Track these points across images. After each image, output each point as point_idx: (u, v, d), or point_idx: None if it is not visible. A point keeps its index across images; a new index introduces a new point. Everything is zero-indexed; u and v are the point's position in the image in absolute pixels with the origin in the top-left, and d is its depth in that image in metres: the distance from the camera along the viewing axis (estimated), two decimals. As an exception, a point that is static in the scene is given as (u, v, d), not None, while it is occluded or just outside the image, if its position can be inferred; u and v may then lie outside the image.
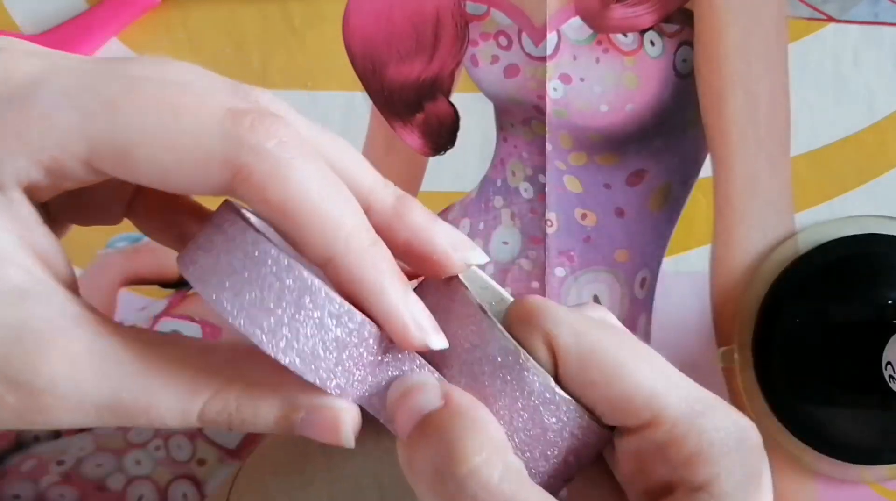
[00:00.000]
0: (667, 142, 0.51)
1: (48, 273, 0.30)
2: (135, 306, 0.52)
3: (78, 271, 0.52)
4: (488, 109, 0.52)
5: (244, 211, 0.30)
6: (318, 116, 0.52)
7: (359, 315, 0.29)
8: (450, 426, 0.29)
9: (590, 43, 0.51)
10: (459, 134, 0.52)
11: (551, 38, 0.51)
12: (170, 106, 0.28)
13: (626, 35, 0.51)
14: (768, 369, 0.50)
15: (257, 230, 0.29)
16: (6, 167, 0.29)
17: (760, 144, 0.51)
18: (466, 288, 0.31)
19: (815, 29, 0.51)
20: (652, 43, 0.51)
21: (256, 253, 0.29)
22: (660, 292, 0.51)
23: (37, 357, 0.29)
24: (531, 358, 0.30)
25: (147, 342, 0.30)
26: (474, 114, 0.52)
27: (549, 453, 0.30)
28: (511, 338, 0.30)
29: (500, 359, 0.30)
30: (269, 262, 0.29)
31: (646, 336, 0.51)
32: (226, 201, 0.31)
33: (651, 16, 0.51)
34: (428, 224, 0.32)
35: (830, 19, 0.51)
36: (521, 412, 0.30)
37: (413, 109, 0.52)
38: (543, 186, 0.52)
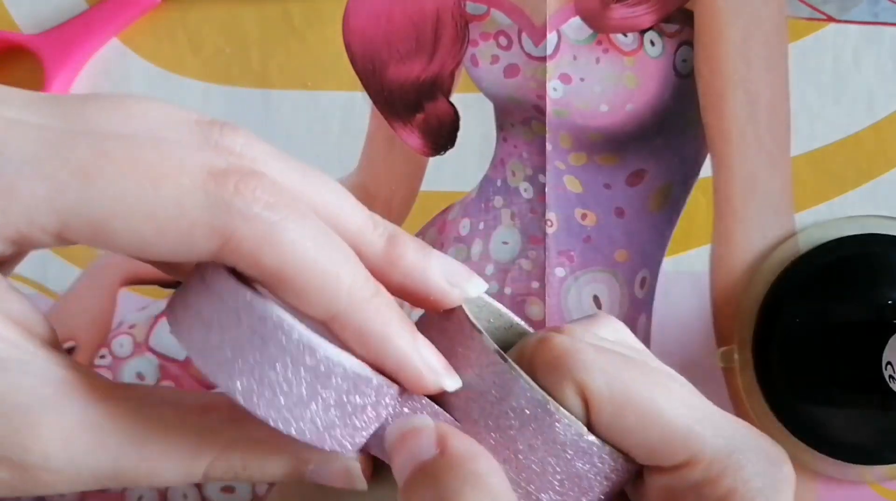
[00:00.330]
0: (667, 142, 0.51)
1: (27, 338, 0.28)
2: (135, 306, 0.52)
3: (78, 271, 0.52)
4: (488, 109, 0.52)
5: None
6: (318, 116, 0.52)
7: (375, 379, 0.28)
8: (446, 479, 0.28)
9: (590, 43, 0.51)
10: (459, 134, 0.52)
11: (551, 38, 0.51)
12: (146, 172, 0.26)
13: (626, 35, 0.51)
14: (768, 369, 0.50)
15: (263, 297, 0.27)
16: None
17: (760, 144, 0.51)
18: (481, 332, 0.29)
19: (815, 29, 0.51)
20: (652, 43, 0.51)
21: (266, 331, 0.27)
22: (660, 292, 0.51)
23: (26, 435, 0.27)
24: (562, 408, 0.29)
25: (142, 402, 0.29)
26: (474, 114, 0.52)
27: (583, 499, 0.29)
28: (538, 389, 0.29)
29: (528, 411, 0.29)
30: (284, 341, 0.27)
31: (646, 336, 0.51)
32: None
33: (651, 16, 0.51)
34: (421, 263, 0.30)
35: (830, 19, 0.51)
36: (555, 465, 0.29)
37: (413, 109, 0.52)
38: (543, 186, 0.52)
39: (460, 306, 0.31)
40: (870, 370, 0.46)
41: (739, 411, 0.51)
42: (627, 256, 0.52)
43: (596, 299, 0.52)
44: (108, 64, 0.53)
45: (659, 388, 0.29)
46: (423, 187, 0.52)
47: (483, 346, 0.29)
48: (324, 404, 0.28)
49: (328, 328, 0.28)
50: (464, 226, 0.52)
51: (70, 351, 0.53)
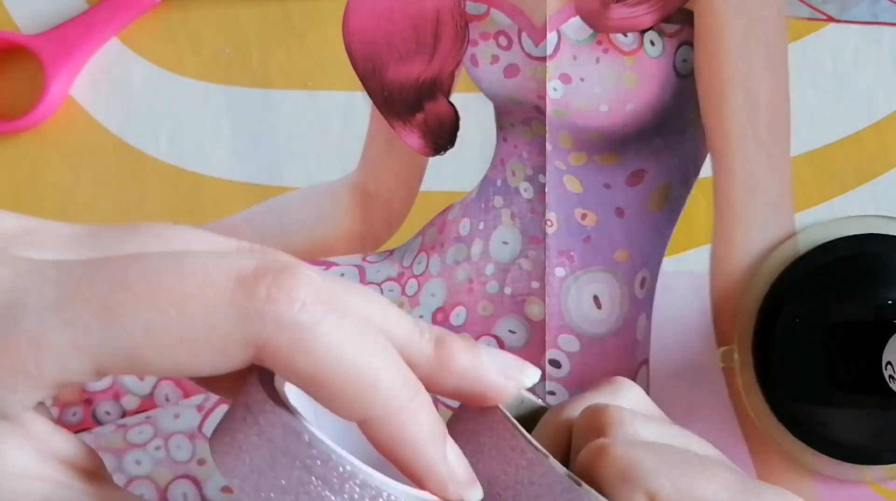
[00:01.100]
0: (667, 142, 0.51)
1: (72, 475, 0.28)
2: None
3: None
4: (488, 109, 0.52)
5: (285, 397, 0.28)
6: (318, 116, 0.52)
7: None
8: None
9: (590, 43, 0.51)
10: (459, 134, 0.52)
11: (551, 38, 0.51)
12: (169, 298, 0.26)
13: (626, 35, 0.51)
14: (768, 369, 0.50)
15: (336, 451, 0.27)
16: (8, 402, 0.26)
17: (760, 144, 0.51)
18: (546, 456, 0.30)
19: (815, 29, 0.51)
20: (652, 43, 0.51)
21: (347, 486, 0.27)
22: (660, 292, 0.51)
23: None
24: None
25: None
26: (474, 114, 0.52)
27: None
28: None
29: None
30: (354, 491, 0.27)
31: (646, 336, 0.51)
32: (262, 383, 0.28)
33: (651, 16, 0.51)
34: (474, 363, 0.30)
35: (830, 19, 0.51)
36: None
37: (413, 109, 0.52)
38: (543, 186, 0.52)
39: (504, 415, 0.31)
40: (870, 370, 0.46)
41: (739, 411, 0.51)
42: (627, 256, 0.52)
43: (596, 299, 0.52)
44: (108, 64, 0.53)
45: (715, 480, 0.31)
46: (423, 187, 0.52)
47: (555, 473, 0.30)
48: None
49: (360, 429, 0.28)
50: (464, 226, 0.52)
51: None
